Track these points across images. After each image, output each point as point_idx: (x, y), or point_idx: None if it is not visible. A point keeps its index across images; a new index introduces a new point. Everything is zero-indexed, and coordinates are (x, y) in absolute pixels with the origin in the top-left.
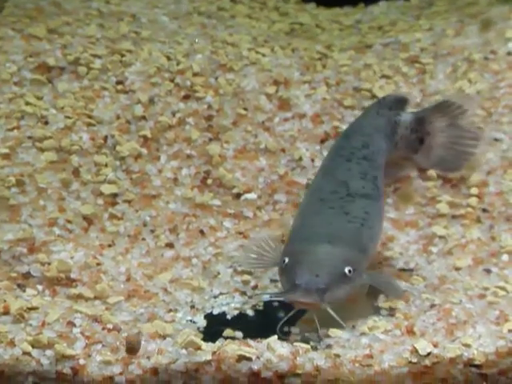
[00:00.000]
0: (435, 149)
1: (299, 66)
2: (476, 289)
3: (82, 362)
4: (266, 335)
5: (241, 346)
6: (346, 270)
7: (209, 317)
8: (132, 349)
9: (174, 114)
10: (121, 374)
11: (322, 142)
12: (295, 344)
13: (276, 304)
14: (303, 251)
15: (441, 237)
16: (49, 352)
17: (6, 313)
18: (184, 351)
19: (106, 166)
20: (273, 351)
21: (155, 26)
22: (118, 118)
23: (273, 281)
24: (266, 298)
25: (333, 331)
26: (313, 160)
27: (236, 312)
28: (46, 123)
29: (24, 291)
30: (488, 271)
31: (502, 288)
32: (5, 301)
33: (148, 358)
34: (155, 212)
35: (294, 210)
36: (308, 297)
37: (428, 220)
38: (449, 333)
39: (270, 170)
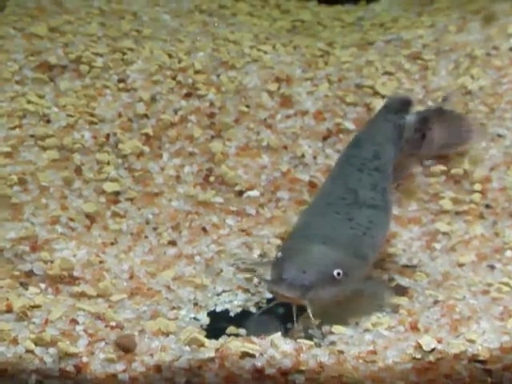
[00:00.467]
0: (437, 138)
1: (301, 63)
2: (480, 285)
3: (85, 359)
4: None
5: (244, 342)
6: (335, 272)
7: (212, 314)
8: (127, 349)
9: (176, 112)
10: (124, 371)
11: (325, 138)
12: (299, 341)
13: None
14: (296, 248)
15: (444, 233)
16: (52, 350)
17: (9, 311)
18: (187, 348)
19: (108, 164)
20: (276, 348)
21: (156, 24)
22: (120, 116)
23: None
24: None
25: (336, 328)
26: (315, 157)
27: (239, 309)
28: (48, 122)
29: (27, 289)
30: (492, 267)
31: (506, 284)
32: (7, 299)
33: (151, 355)
34: (158, 210)
35: (296, 208)
36: (291, 291)
37: (431, 216)
38: (453, 329)
39: (272, 168)
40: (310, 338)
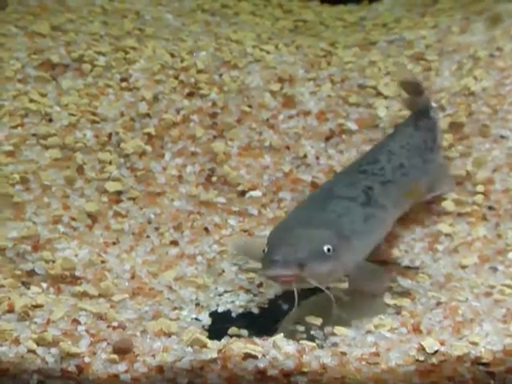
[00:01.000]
0: None
1: (304, 63)
2: (482, 287)
3: (87, 359)
4: (271, 333)
5: (247, 343)
6: (325, 248)
7: (214, 315)
8: (125, 351)
9: (178, 112)
10: (126, 371)
11: (327, 139)
12: (301, 342)
13: (281, 302)
14: (282, 234)
15: (447, 235)
16: (54, 350)
17: (11, 311)
18: (189, 349)
19: (111, 163)
20: (279, 349)
21: (159, 24)
22: (122, 115)
23: None
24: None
25: (338, 329)
26: (317, 157)
27: (241, 310)
28: (50, 120)
29: (28, 289)
30: (494, 269)
31: (509, 286)
32: (9, 298)
33: (153, 355)
34: (160, 209)
35: None
36: (287, 269)
37: (434, 218)
38: (455, 331)
39: (274, 168)
40: (312, 339)
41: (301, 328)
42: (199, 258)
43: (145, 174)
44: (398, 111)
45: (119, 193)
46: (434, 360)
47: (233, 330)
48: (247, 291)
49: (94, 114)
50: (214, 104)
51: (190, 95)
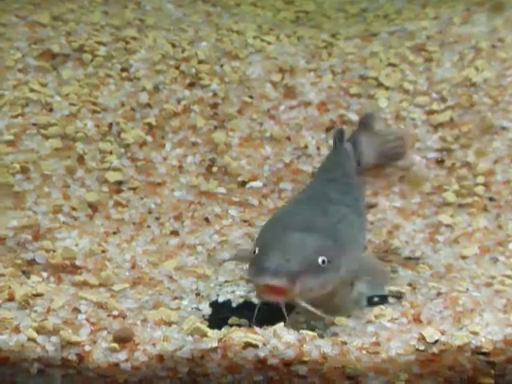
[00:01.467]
0: (367, 158)
1: (305, 54)
2: (483, 277)
3: (87, 348)
4: (271, 323)
5: (247, 333)
6: (320, 259)
7: (214, 304)
8: (126, 340)
9: (179, 102)
10: (126, 360)
11: (328, 130)
12: (302, 331)
13: None
14: (274, 239)
15: (447, 225)
16: (54, 338)
17: (11, 299)
18: (190, 338)
19: (111, 153)
20: (279, 338)
21: (160, 14)
22: (123, 105)
23: None
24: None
25: (339, 319)
26: (318, 148)
27: (241, 300)
28: (51, 110)
29: (29, 278)
30: (495, 260)
31: (509, 276)
32: (10, 287)
33: (153, 344)
34: (160, 199)
35: None
36: (277, 279)
37: (434, 209)
38: (456, 321)
39: (275, 158)
40: (312, 329)
41: (301, 318)
42: (199, 248)
43: (145, 164)
44: (399, 102)
45: (120, 183)
46: (435, 349)
47: (233, 319)
48: (247, 281)
49: (94, 103)
50: (215, 94)
51: (191, 85)
